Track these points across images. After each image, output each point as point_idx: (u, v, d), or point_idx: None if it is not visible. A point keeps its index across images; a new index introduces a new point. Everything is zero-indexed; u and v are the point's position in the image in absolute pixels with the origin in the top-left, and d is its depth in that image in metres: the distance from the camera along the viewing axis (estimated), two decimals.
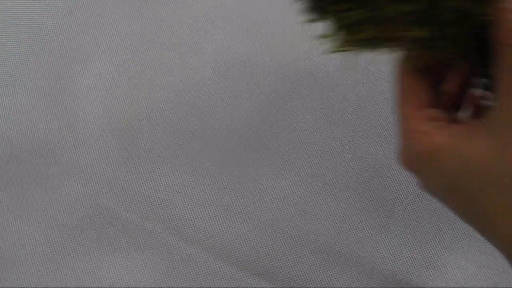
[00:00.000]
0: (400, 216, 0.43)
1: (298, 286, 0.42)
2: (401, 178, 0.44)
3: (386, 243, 0.43)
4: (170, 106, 0.46)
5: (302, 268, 0.42)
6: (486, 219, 0.25)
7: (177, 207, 0.44)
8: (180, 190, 0.45)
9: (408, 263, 0.43)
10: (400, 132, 0.29)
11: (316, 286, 0.42)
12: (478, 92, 0.31)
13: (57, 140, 0.46)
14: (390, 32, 0.27)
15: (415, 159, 0.28)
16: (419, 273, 0.42)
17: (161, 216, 0.44)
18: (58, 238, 0.43)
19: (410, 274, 0.42)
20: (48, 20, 0.50)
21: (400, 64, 0.30)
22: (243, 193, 0.45)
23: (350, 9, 0.27)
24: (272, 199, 0.44)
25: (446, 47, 0.28)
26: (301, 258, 0.43)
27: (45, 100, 0.47)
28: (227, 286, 0.42)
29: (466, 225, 0.44)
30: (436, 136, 0.27)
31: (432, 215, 0.44)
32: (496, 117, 0.25)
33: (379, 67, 0.47)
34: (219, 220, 0.44)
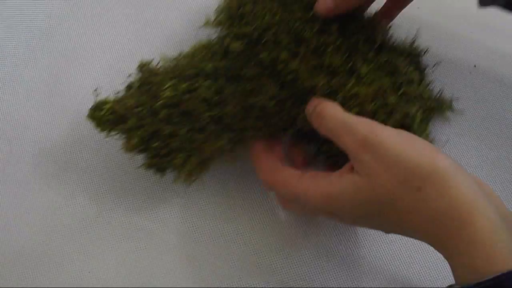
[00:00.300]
0: None
1: (297, 286, 0.42)
2: None
3: (386, 243, 0.43)
4: None
5: (302, 268, 0.42)
6: (396, 224, 0.33)
7: (176, 207, 0.44)
8: (179, 190, 0.45)
9: (408, 263, 0.43)
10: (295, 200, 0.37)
11: (316, 286, 0.42)
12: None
13: (57, 140, 0.46)
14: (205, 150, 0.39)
15: (319, 213, 0.36)
16: (419, 273, 0.42)
17: (161, 216, 0.44)
18: (58, 238, 0.43)
19: (410, 274, 0.42)
20: (47, 20, 0.50)
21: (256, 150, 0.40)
22: (243, 193, 0.45)
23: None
24: (272, 199, 0.44)
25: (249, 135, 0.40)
26: (300, 258, 0.43)
27: (45, 100, 0.47)
28: (227, 286, 0.42)
29: None
30: (312, 189, 0.35)
31: None
32: (355, 167, 0.33)
33: None
34: (219, 219, 0.44)
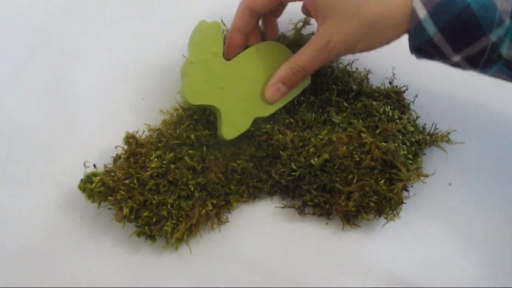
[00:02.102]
0: (400, 216, 0.43)
1: (297, 286, 0.42)
2: None
3: (386, 243, 0.43)
4: (170, 106, 0.46)
5: (302, 268, 0.42)
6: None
7: None
8: None
9: (407, 262, 0.43)
10: None
11: (316, 286, 0.42)
12: None
13: (57, 140, 0.46)
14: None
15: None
16: (419, 273, 0.42)
17: None
18: (58, 238, 0.43)
19: (409, 273, 0.42)
20: (48, 20, 0.50)
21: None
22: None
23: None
24: (272, 198, 0.44)
25: None
26: (300, 258, 0.43)
27: (45, 99, 0.47)
28: (227, 286, 0.42)
29: (466, 226, 0.44)
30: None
31: (431, 215, 0.45)
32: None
33: None
34: None
